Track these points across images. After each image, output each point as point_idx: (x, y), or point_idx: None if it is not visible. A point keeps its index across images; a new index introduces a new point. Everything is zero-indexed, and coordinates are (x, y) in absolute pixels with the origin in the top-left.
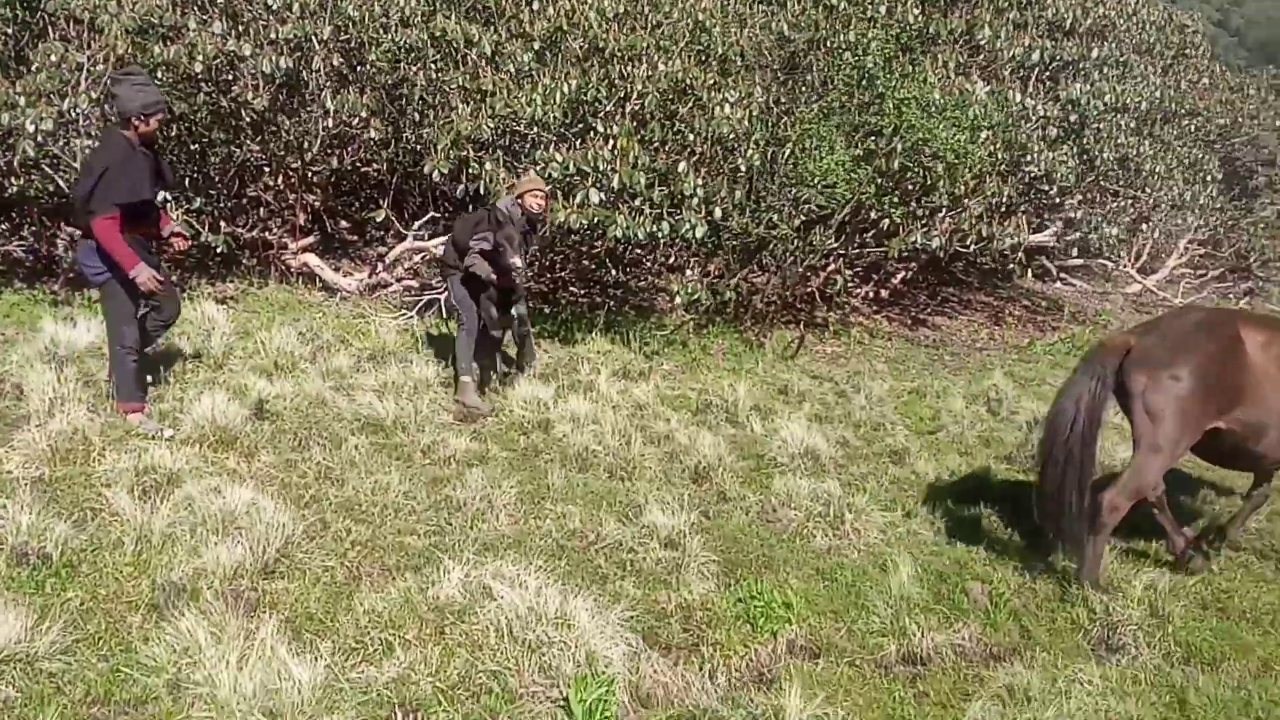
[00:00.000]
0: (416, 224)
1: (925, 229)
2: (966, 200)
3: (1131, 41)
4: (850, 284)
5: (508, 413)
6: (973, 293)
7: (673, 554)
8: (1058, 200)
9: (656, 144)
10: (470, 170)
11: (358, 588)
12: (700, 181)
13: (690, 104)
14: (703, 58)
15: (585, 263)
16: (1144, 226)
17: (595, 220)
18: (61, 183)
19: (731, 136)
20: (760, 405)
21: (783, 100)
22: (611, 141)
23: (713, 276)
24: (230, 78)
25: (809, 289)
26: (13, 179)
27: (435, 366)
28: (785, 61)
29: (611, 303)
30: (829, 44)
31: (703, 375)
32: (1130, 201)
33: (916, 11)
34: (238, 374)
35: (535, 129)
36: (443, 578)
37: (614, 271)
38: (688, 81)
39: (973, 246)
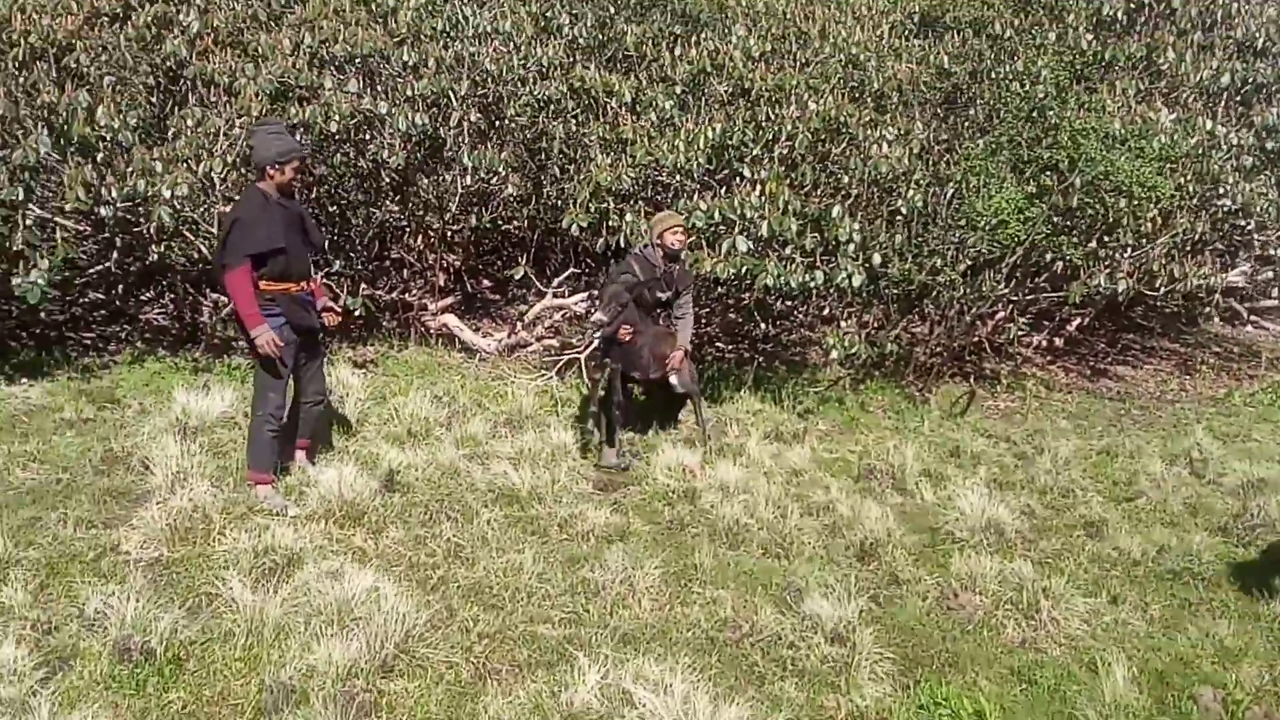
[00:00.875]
0: (556, 281)
1: (1109, 270)
2: (1154, 238)
3: None
4: (1021, 332)
5: (651, 480)
6: (1156, 339)
7: (840, 650)
8: (1255, 237)
9: (808, 187)
10: (610, 223)
11: (484, 688)
12: (856, 226)
13: (844, 144)
14: (856, 94)
15: (732, 316)
16: None
17: (743, 270)
18: (203, 249)
19: (890, 176)
20: (930, 469)
21: (944, 137)
22: (759, 186)
23: (871, 328)
24: (367, 136)
25: (977, 339)
26: (153, 246)
27: (574, 431)
28: (946, 96)
29: (761, 358)
30: (994, 75)
31: (862, 436)
32: None
33: (1090, 37)
34: (370, 442)
35: (678, 177)
36: (578, 680)
37: (763, 325)
38: (841, 119)
39: (1162, 289)
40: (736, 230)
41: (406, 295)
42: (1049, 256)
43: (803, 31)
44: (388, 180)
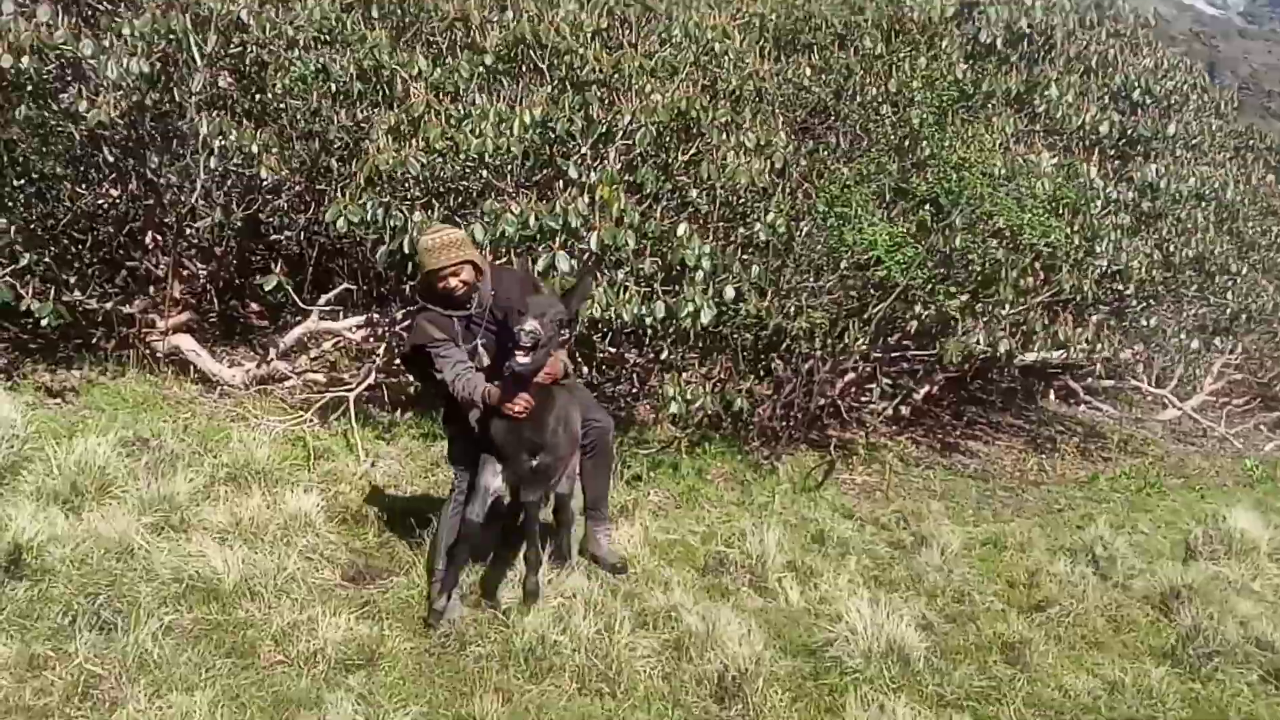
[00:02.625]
0: (324, 298)
1: (987, 327)
2: (1035, 293)
3: (1203, 121)
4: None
5: (421, 571)
6: (998, 414)
7: None
8: (1131, 302)
9: (649, 197)
10: (393, 223)
11: None
12: (707, 250)
13: (694, 147)
14: (709, 89)
15: None
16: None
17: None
18: None
19: (748, 192)
20: (795, 561)
21: (807, 156)
22: (588, 191)
23: (717, 379)
24: (60, 85)
25: (829, 401)
26: None
27: (322, 495)
28: (809, 112)
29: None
30: (862, 96)
31: (705, 511)
32: (1205, 309)
33: (964, 66)
34: (6, 501)
35: (485, 171)
36: None
37: (585, 369)
38: (692, 115)
39: (1041, 353)
40: (558, 243)
41: (128, 307)
42: (918, 308)
43: (648, 8)
44: (106, 154)
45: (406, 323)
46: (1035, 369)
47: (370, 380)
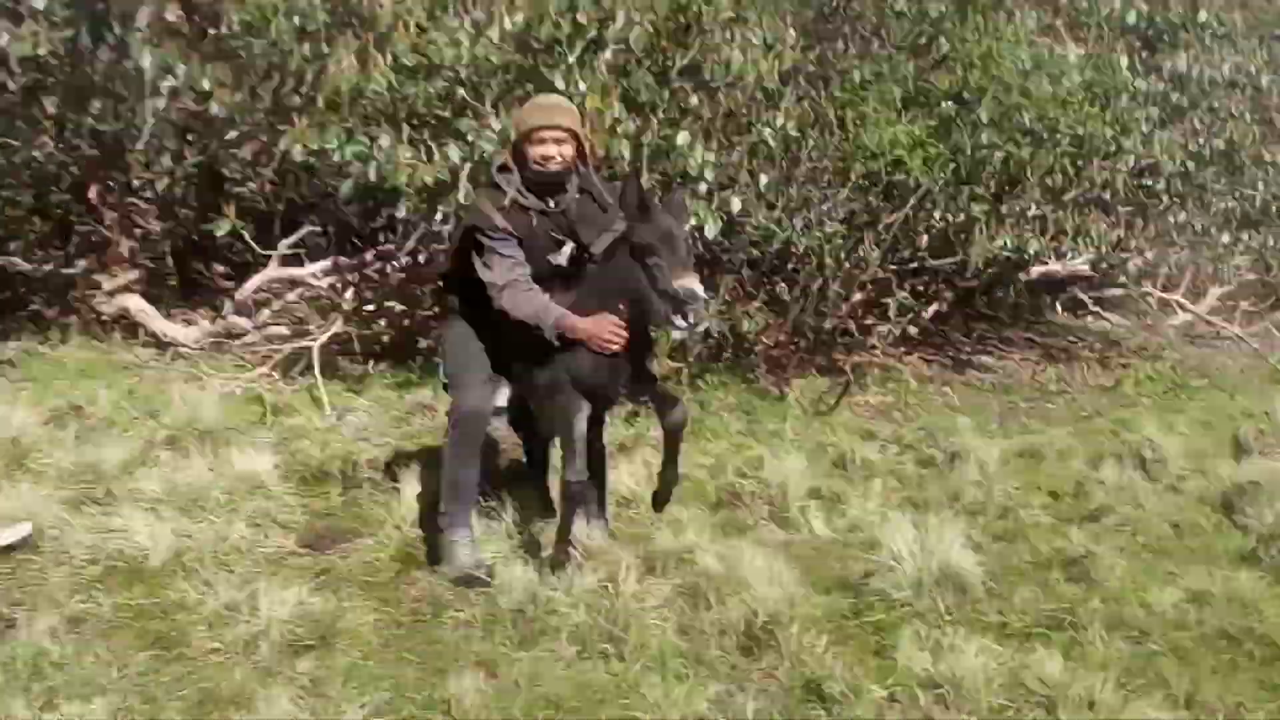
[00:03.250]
0: (284, 243)
1: (1015, 228)
2: (1064, 191)
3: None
4: (869, 320)
5: (393, 526)
6: (1007, 329)
7: None
8: (1161, 199)
9: (646, 105)
10: (355, 150)
11: None
12: (711, 158)
13: (694, 50)
14: None
15: None
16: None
17: None
18: None
19: (755, 97)
20: (818, 488)
21: (816, 60)
22: (580, 101)
23: (723, 300)
24: None
25: (840, 321)
26: None
27: (279, 454)
28: (817, 9)
29: None
30: None
31: (711, 443)
32: (1234, 203)
33: None
34: None
35: (462, 86)
36: None
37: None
38: (693, 10)
39: (1069, 257)
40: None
41: (69, 269)
42: (937, 215)
43: None
44: (46, 105)
45: (377, 265)
46: (1042, 281)
47: (336, 328)
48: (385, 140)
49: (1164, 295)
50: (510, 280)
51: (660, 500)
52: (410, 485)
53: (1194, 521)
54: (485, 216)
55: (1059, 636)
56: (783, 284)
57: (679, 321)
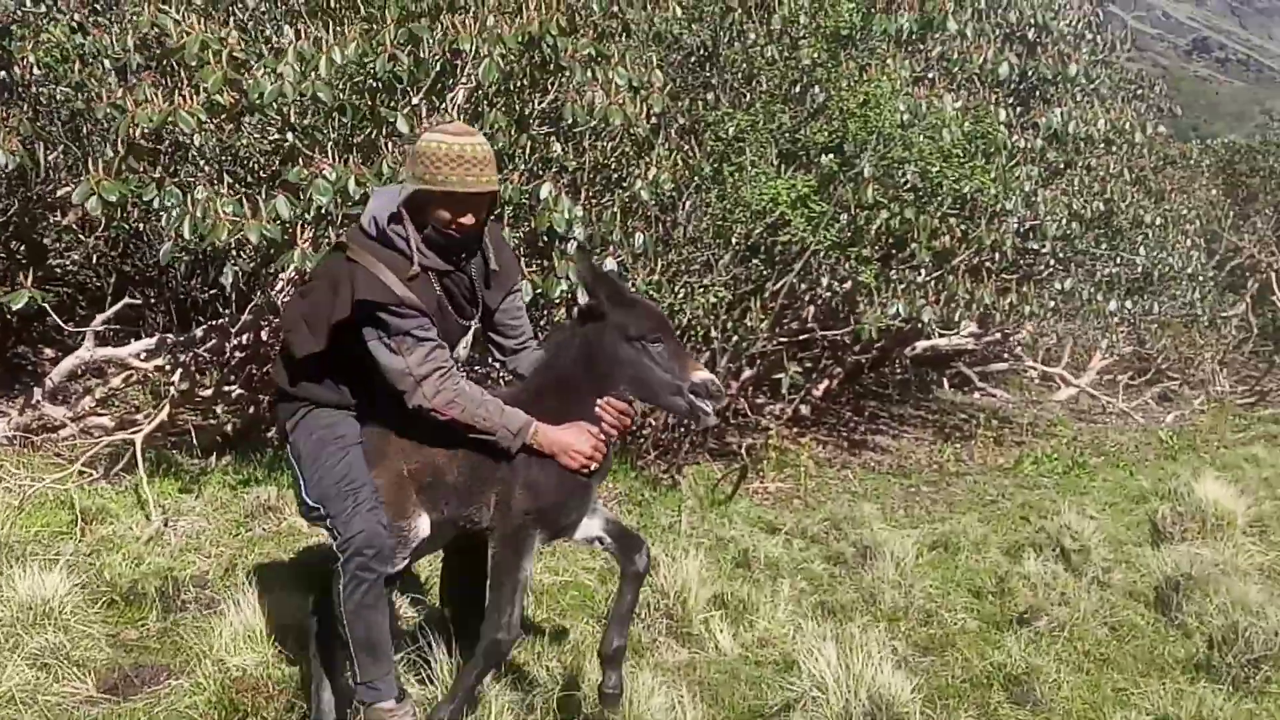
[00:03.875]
0: (99, 318)
1: (905, 295)
2: (952, 254)
3: (1100, 63)
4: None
5: (211, 666)
6: (897, 406)
7: None
8: (1048, 263)
9: (503, 150)
10: (165, 201)
11: None
12: (579, 213)
13: (553, 91)
14: (568, 18)
15: None
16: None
17: None
18: None
19: (624, 149)
20: (721, 594)
21: (686, 111)
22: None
23: None
24: None
25: (731, 400)
26: None
27: (83, 573)
28: (687, 54)
29: None
30: (743, 40)
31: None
32: (1116, 269)
33: (850, 4)
34: None
35: (287, 129)
36: None
37: None
38: (548, 43)
39: (962, 327)
40: None
41: None
42: (825, 280)
43: None
44: None
45: (212, 343)
46: (928, 358)
47: (163, 418)
48: (201, 192)
49: (1047, 369)
50: (432, 369)
51: (609, 687)
52: (241, 607)
53: (1131, 623)
54: (385, 288)
55: None
56: None
57: (705, 416)
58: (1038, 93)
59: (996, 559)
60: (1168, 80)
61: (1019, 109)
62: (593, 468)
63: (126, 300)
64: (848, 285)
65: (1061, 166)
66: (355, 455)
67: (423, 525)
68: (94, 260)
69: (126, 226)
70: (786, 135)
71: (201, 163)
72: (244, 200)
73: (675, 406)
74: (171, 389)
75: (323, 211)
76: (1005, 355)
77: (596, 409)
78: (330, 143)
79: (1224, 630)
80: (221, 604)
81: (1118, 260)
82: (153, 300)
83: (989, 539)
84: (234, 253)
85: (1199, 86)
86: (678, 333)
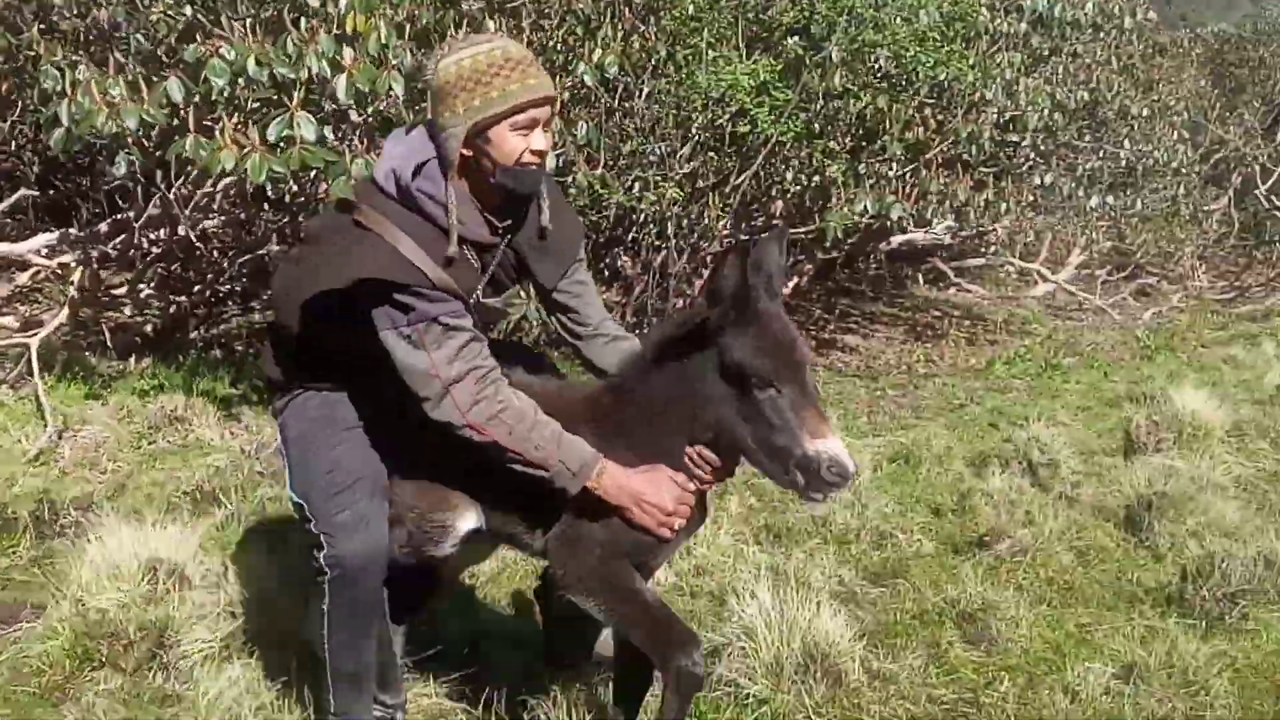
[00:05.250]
0: None
1: (874, 190)
2: (925, 147)
3: None
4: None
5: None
6: (870, 304)
7: None
8: (1029, 157)
9: (427, 29)
10: (50, 84)
11: None
12: None
13: None
14: None
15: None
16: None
17: (305, 168)
18: None
19: (567, 25)
20: None
21: None
22: (335, 20)
23: None
24: None
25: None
26: None
27: None
28: None
29: None
30: None
31: None
32: (1100, 163)
33: None
34: None
35: (190, 7)
36: None
37: None
38: None
39: (936, 223)
40: (297, 100)
41: None
42: (790, 175)
43: None
44: None
45: (120, 235)
46: (903, 252)
47: (62, 320)
48: (84, 72)
49: (1025, 265)
50: (466, 370)
51: None
52: (112, 537)
53: (1100, 546)
54: (408, 266)
55: None
56: (625, 258)
57: (814, 502)
58: None
59: (960, 472)
60: None
61: None
62: (672, 528)
63: (24, 191)
64: (817, 180)
65: (1045, 53)
66: (353, 442)
67: (467, 521)
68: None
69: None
70: (751, 16)
71: (90, 42)
72: (134, 83)
73: (778, 479)
74: (71, 288)
75: (221, 95)
76: (983, 251)
77: (685, 458)
78: (235, 19)
79: (1199, 561)
80: (99, 530)
81: (1101, 154)
82: (64, 193)
83: (953, 450)
84: (129, 141)
85: None
86: (634, 230)
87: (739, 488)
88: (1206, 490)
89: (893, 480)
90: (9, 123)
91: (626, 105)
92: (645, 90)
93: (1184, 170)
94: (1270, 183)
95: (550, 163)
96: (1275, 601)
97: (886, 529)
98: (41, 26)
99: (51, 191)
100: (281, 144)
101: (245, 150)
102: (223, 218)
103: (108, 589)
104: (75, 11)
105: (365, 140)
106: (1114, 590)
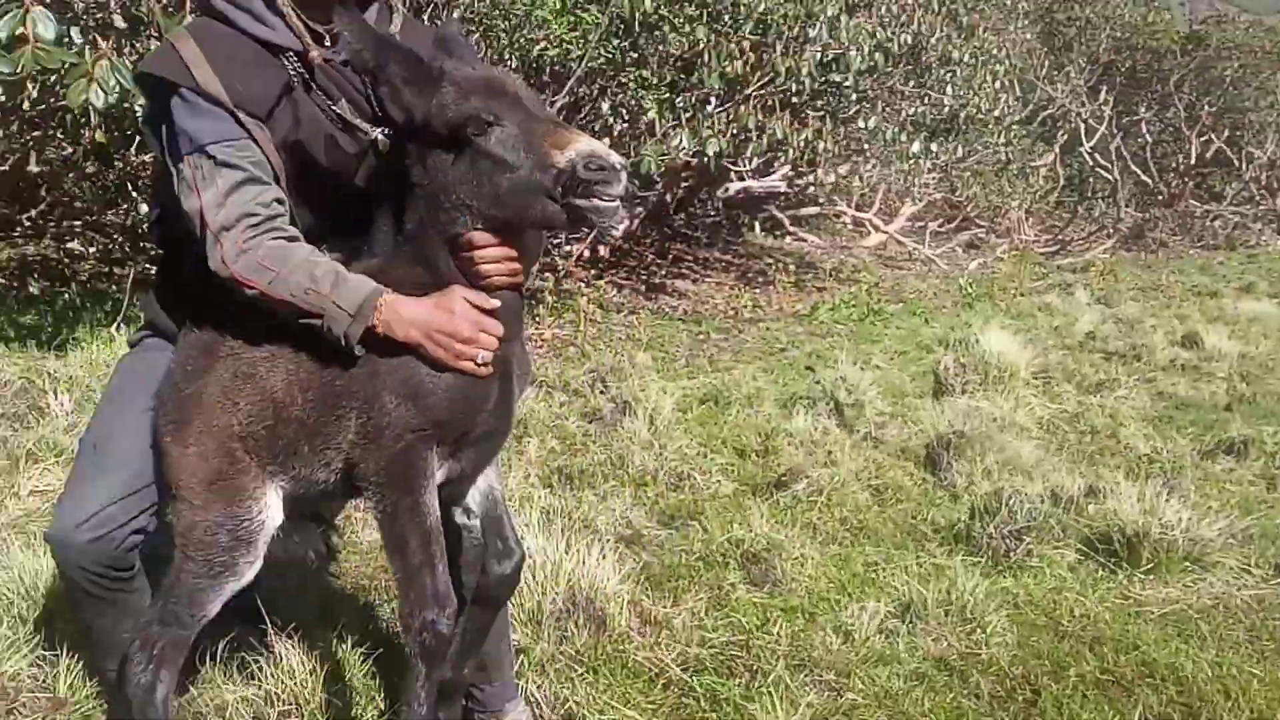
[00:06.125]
0: None
1: (691, 125)
2: (744, 82)
3: None
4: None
5: None
6: (704, 251)
7: None
8: (850, 94)
9: None
10: None
11: None
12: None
13: None
14: None
15: (41, 172)
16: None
17: (44, 71)
18: None
19: None
20: None
21: None
22: None
23: None
24: None
25: None
26: None
27: None
28: None
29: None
30: None
31: None
32: (922, 109)
33: None
34: None
35: None
36: None
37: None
38: None
39: (762, 166)
40: None
41: None
42: (605, 106)
43: None
44: None
45: None
46: (740, 200)
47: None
48: None
49: (858, 214)
50: (239, 215)
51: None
52: None
53: (897, 484)
54: (176, 63)
55: (729, 688)
56: None
57: (605, 218)
58: None
59: (769, 414)
60: None
61: None
62: (481, 357)
63: None
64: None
65: None
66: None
67: (271, 507)
68: None
69: None
70: None
71: None
72: None
73: (551, 218)
74: None
75: None
76: (819, 200)
77: (461, 260)
78: None
79: (987, 498)
80: None
81: (924, 100)
82: None
83: (765, 392)
84: None
85: None
86: None
87: (540, 429)
88: (1007, 431)
89: (699, 422)
90: None
91: (435, 25)
92: (454, 10)
93: (1006, 119)
94: (1094, 140)
95: None
96: (1060, 539)
97: (685, 470)
98: None
99: None
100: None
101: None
102: None
103: None
104: None
105: (117, 42)
106: (906, 529)
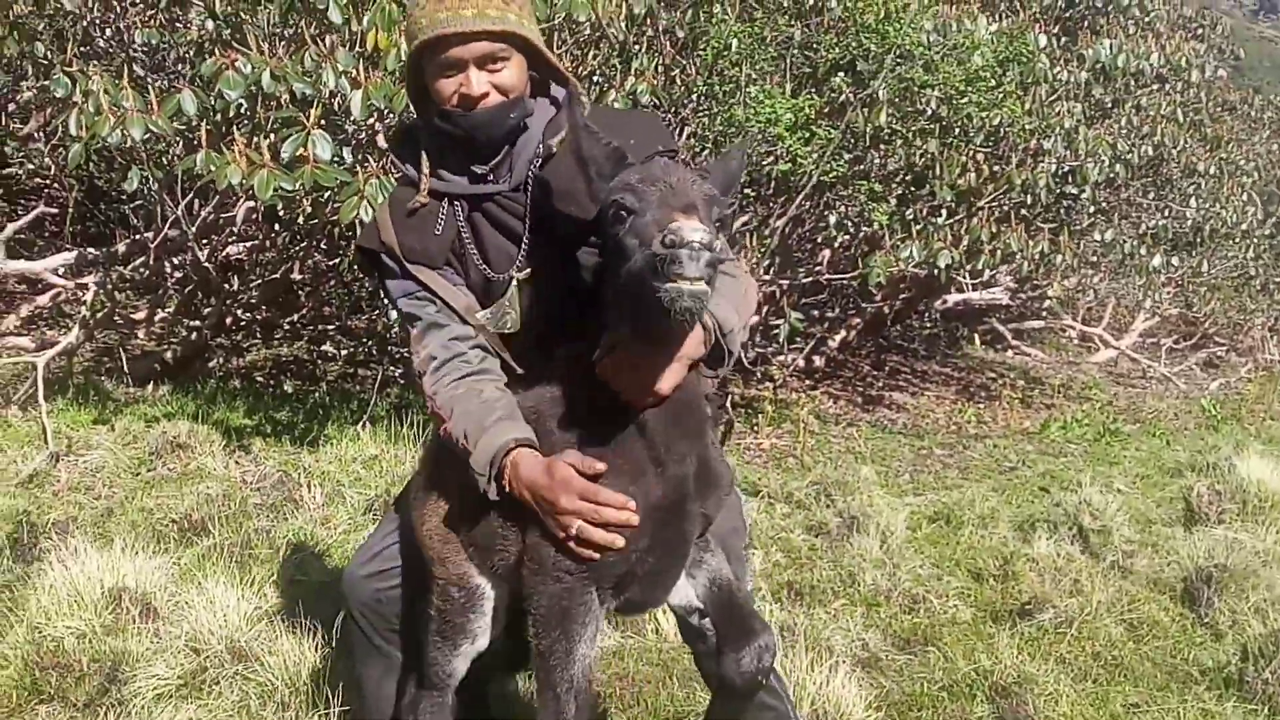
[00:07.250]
0: (9, 228)
1: (922, 236)
2: (978, 194)
3: None
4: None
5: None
6: (922, 363)
7: None
8: (1087, 209)
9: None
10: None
11: None
12: None
13: None
14: None
15: (303, 279)
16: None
17: (318, 188)
18: None
19: (600, 54)
20: None
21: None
22: (358, 36)
23: None
24: None
25: None
26: None
27: None
28: None
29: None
30: None
31: None
32: (1164, 221)
33: None
34: None
35: (211, 22)
36: None
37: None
38: None
39: (990, 276)
40: (314, 116)
41: None
42: (833, 218)
43: None
44: None
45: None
46: (959, 311)
47: (72, 340)
48: (96, 82)
49: (1086, 329)
50: (427, 358)
51: None
52: (86, 562)
53: (1153, 620)
54: (370, 229)
55: None
56: None
57: (678, 298)
58: (1086, 22)
59: (1005, 536)
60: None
61: (1064, 39)
62: (576, 528)
63: (42, 209)
64: (865, 230)
65: (1108, 105)
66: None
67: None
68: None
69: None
70: (796, 52)
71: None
72: (145, 93)
73: (654, 299)
74: (83, 309)
75: (238, 110)
76: (1043, 313)
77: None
78: (257, 34)
79: (1262, 640)
80: (74, 555)
81: (1166, 212)
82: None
83: (999, 512)
84: (140, 155)
85: (1265, 48)
86: None
87: (764, 541)
88: (1271, 565)
89: (931, 541)
90: (31, 136)
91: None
92: (684, 126)
93: (1253, 232)
94: None
95: None
96: None
97: (920, 592)
98: (54, 33)
99: (72, 210)
100: (293, 162)
101: (254, 166)
102: (243, 244)
103: (66, 617)
104: (89, 19)
105: (382, 161)
106: (1167, 669)
